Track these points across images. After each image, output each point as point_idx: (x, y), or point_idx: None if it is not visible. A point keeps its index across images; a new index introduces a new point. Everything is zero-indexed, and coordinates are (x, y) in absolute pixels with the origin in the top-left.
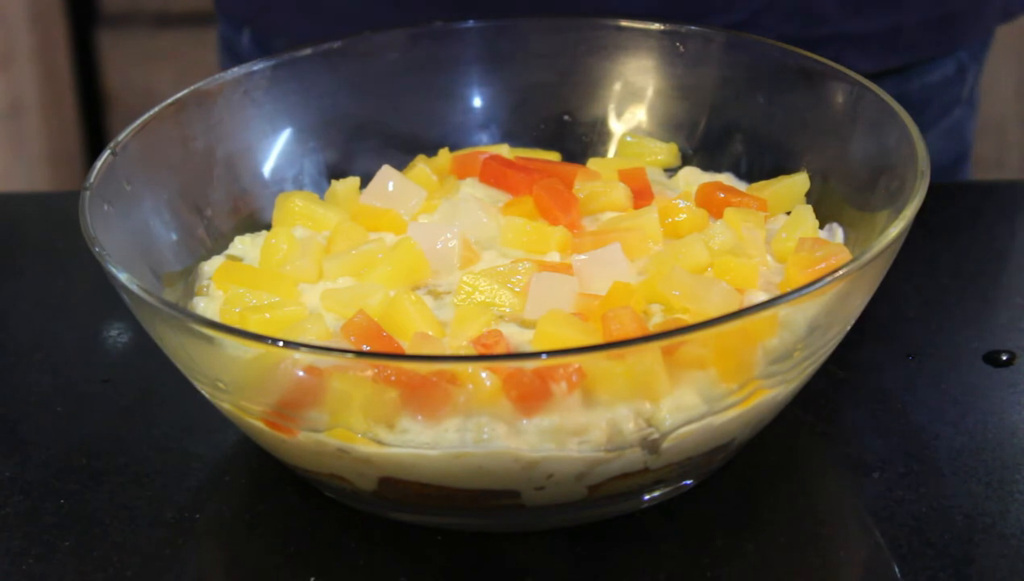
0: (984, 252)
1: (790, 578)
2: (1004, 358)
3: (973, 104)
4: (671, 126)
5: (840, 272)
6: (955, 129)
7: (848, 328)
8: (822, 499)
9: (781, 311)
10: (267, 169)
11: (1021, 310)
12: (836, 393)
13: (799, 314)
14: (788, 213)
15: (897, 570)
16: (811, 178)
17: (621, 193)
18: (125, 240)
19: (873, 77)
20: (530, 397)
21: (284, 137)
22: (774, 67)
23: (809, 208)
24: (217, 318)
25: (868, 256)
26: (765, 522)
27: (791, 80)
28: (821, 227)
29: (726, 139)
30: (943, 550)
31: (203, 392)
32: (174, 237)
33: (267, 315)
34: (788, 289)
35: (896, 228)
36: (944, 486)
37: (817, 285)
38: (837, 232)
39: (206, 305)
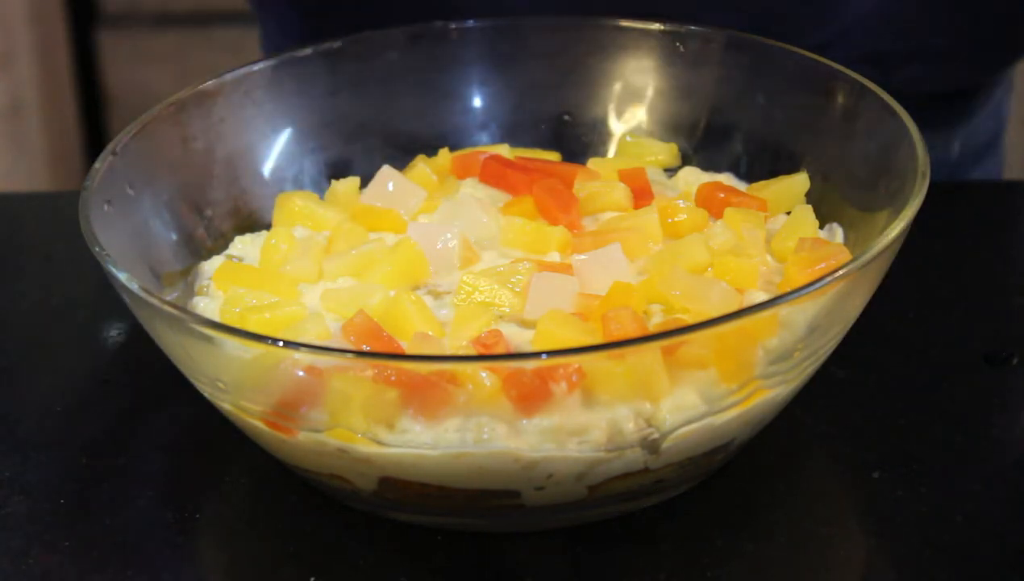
0: (984, 252)
1: (790, 578)
2: (1004, 358)
3: (1012, 81)
4: (671, 126)
5: (840, 272)
6: (995, 109)
7: (848, 328)
8: (822, 499)
9: (781, 311)
10: (267, 169)
11: (1021, 310)
12: (836, 393)
13: (799, 314)
14: (788, 213)
15: (897, 570)
16: (811, 178)
17: (621, 193)
18: (125, 240)
19: None
20: (530, 397)
21: (284, 137)
22: (774, 67)
23: (809, 208)
24: (217, 318)
25: (868, 256)
26: (765, 522)
27: (791, 80)
28: (821, 227)
29: (726, 139)
30: (943, 550)
31: (203, 392)
32: (174, 237)
33: (267, 315)
34: (788, 289)
35: (896, 228)
36: (944, 486)
37: (817, 285)
38: (837, 232)
39: (206, 305)
